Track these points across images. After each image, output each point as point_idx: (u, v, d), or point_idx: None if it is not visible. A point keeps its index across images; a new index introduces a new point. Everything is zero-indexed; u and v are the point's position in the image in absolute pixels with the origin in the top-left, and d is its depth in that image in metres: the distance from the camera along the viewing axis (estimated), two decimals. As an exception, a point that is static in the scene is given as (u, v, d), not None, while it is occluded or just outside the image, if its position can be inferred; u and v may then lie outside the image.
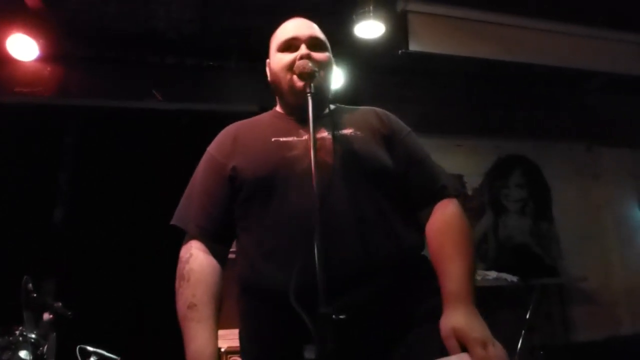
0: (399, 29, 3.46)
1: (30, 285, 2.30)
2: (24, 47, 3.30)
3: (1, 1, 3.12)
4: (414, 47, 3.46)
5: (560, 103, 4.55)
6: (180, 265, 1.32)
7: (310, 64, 1.30)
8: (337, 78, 3.71)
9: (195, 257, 1.31)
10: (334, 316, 0.93)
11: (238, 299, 1.34)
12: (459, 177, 4.25)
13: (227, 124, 1.48)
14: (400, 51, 3.49)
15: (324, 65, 1.39)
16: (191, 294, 1.26)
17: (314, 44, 1.40)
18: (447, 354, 1.08)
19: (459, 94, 4.33)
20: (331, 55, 1.45)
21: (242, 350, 1.35)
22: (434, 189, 1.35)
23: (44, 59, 3.44)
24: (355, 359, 1.12)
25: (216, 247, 1.35)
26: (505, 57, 3.68)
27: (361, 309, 1.12)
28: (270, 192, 1.27)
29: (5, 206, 3.34)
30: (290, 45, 1.39)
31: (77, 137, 3.70)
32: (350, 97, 3.70)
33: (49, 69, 3.58)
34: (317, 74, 1.29)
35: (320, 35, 1.45)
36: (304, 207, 1.10)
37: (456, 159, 4.23)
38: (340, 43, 3.47)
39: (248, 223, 1.31)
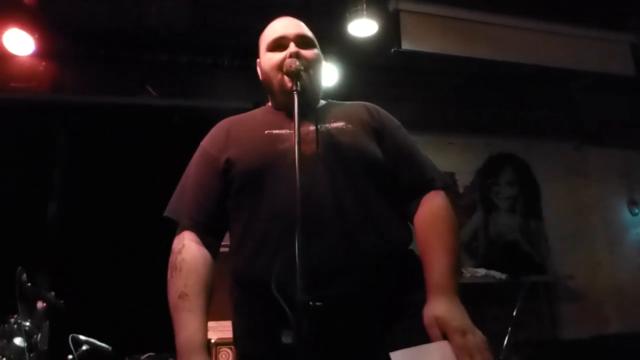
0: (392, 27, 3.49)
1: (24, 275, 2.34)
2: (20, 42, 3.33)
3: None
4: (406, 45, 3.48)
5: (550, 102, 4.59)
6: (172, 256, 1.34)
7: (297, 63, 1.32)
8: (331, 76, 3.74)
9: (188, 247, 1.33)
10: (311, 303, 0.96)
11: (230, 290, 1.36)
12: (451, 175, 4.29)
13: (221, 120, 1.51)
14: (392, 50, 3.52)
15: (313, 63, 1.42)
16: (183, 284, 1.28)
17: (302, 41, 1.42)
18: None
19: (451, 92, 4.36)
20: (320, 52, 1.47)
21: (235, 341, 1.39)
22: (422, 181, 1.38)
23: (39, 54, 3.47)
24: (336, 348, 1.15)
25: (208, 239, 1.37)
26: (497, 57, 3.72)
27: (342, 299, 1.15)
28: (261, 183, 1.29)
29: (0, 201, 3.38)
30: (279, 45, 1.42)
31: (71, 132, 3.73)
32: (343, 94, 3.72)
33: (44, 64, 3.60)
34: (303, 73, 1.31)
35: (308, 33, 1.47)
36: (290, 199, 1.12)
37: (448, 156, 4.27)
38: (334, 41, 3.53)
39: (240, 215, 1.34)
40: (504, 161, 4.48)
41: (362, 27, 3.38)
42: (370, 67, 4.07)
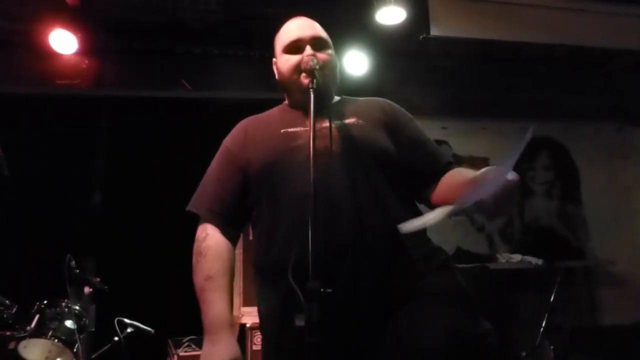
0: (420, 14, 3.47)
1: (73, 262, 2.51)
2: (65, 42, 3.49)
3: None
4: (435, 32, 3.46)
5: (587, 83, 4.42)
6: (197, 244, 1.45)
7: (314, 61, 1.40)
8: (360, 64, 3.75)
9: (212, 236, 1.44)
10: (322, 290, 1.03)
11: (253, 278, 1.47)
12: (485, 161, 4.24)
13: (253, 112, 1.60)
14: (421, 36, 3.51)
15: (328, 63, 1.48)
16: (208, 268, 1.39)
17: (317, 43, 1.49)
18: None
19: (482, 77, 4.27)
20: (334, 53, 1.54)
21: (260, 326, 1.49)
22: (440, 166, 1.46)
23: (82, 52, 3.64)
24: (345, 331, 1.23)
25: (228, 229, 1.47)
26: (529, 39, 3.64)
27: (352, 286, 1.23)
28: (276, 180, 1.38)
29: (47, 191, 3.58)
30: (295, 47, 1.49)
31: (112, 125, 3.92)
32: (373, 82, 3.74)
33: (86, 61, 3.78)
34: (318, 72, 1.37)
35: (323, 33, 1.54)
36: (304, 193, 1.19)
37: (481, 142, 4.22)
38: (362, 29, 3.53)
39: (259, 210, 1.43)
40: (540, 145, 4.39)
41: (391, 14, 3.37)
42: (399, 54, 4.03)
